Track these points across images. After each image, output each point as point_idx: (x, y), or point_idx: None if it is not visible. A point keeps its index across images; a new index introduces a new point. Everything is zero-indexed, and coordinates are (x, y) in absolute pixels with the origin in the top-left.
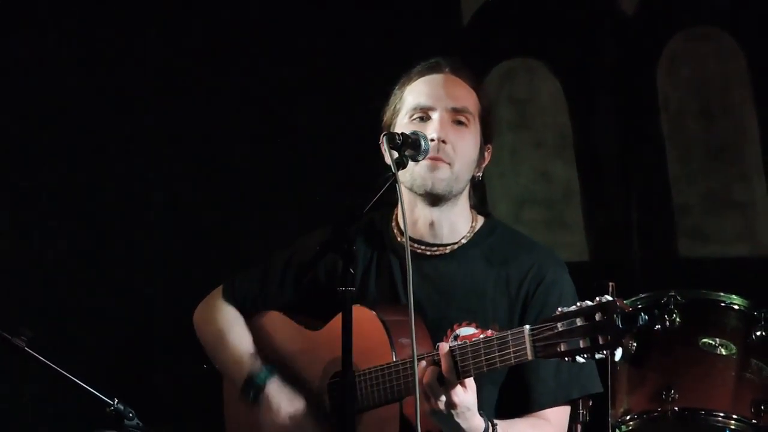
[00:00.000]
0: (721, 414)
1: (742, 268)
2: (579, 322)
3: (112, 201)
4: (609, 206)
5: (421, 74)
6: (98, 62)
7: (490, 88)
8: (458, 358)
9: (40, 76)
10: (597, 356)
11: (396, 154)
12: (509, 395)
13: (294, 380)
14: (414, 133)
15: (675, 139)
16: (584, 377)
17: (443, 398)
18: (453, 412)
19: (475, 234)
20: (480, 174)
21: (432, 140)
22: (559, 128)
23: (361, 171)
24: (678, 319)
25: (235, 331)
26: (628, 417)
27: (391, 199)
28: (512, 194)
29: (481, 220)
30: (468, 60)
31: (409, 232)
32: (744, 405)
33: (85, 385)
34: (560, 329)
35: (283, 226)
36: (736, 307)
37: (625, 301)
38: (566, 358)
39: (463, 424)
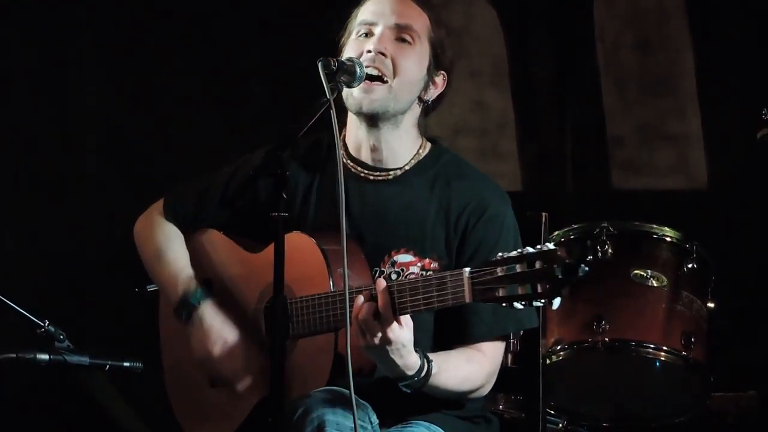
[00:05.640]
0: (652, 345)
1: (675, 201)
2: (519, 268)
3: (44, 119)
4: (543, 136)
5: None
6: None
7: None
8: (396, 295)
9: None
10: (535, 304)
11: (331, 80)
12: (446, 324)
13: (231, 302)
14: (350, 59)
15: (610, 70)
16: (521, 311)
17: (379, 334)
18: (388, 348)
19: (420, 161)
20: (429, 98)
21: (369, 52)
22: (494, 57)
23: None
24: (610, 251)
25: (173, 249)
26: (558, 347)
27: (341, 119)
28: (446, 123)
29: (428, 147)
30: None
31: (354, 155)
32: (674, 337)
33: (15, 306)
34: (499, 274)
35: (221, 146)
36: (668, 239)
37: (556, 232)
38: (503, 304)
39: (399, 361)
